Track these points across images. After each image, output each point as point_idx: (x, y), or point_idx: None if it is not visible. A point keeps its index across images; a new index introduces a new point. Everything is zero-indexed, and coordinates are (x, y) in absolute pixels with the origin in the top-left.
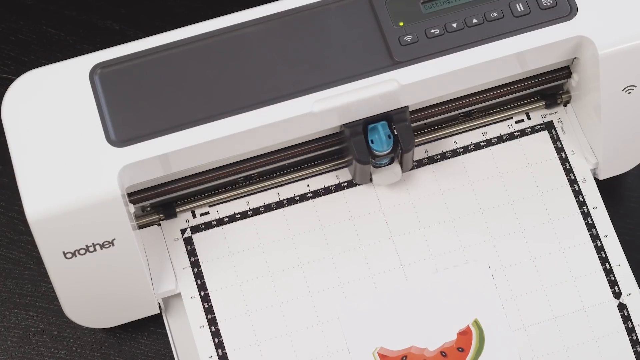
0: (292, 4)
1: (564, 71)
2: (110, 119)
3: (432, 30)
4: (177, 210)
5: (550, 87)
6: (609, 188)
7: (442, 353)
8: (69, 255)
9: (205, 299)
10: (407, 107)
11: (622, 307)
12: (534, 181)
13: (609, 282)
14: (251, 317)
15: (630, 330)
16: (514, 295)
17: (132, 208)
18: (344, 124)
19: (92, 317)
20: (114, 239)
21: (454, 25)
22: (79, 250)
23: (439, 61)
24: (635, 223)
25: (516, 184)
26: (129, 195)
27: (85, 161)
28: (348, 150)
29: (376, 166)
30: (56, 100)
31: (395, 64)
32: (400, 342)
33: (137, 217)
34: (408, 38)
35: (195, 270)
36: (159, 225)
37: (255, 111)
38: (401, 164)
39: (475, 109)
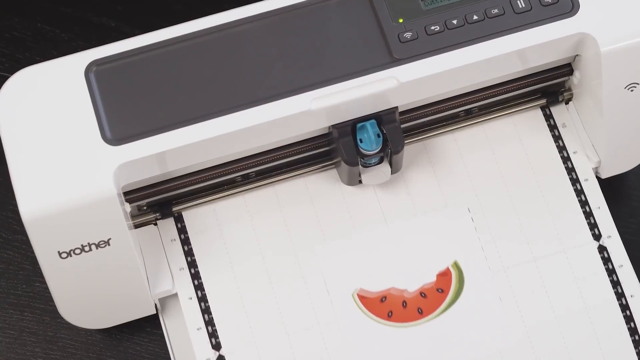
0: (290, 1)
1: (566, 68)
2: (105, 117)
3: (432, 27)
4: (174, 209)
5: (551, 84)
6: (611, 187)
7: (422, 294)
8: (64, 255)
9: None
10: (396, 107)
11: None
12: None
13: (589, 224)
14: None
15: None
16: (493, 237)
17: (128, 207)
18: (332, 125)
19: (87, 318)
20: (110, 239)
21: (454, 22)
22: (74, 250)
23: (439, 58)
24: (638, 222)
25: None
26: (125, 194)
27: (80, 160)
28: (336, 152)
29: (365, 165)
30: (51, 98)
31: (395, 61)
32: (379, 284)
33: (133, 217)
34: (408, 35)
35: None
36: (155, 224)
37: (253, 109)
38: (391, 164)
39: (476, 107)
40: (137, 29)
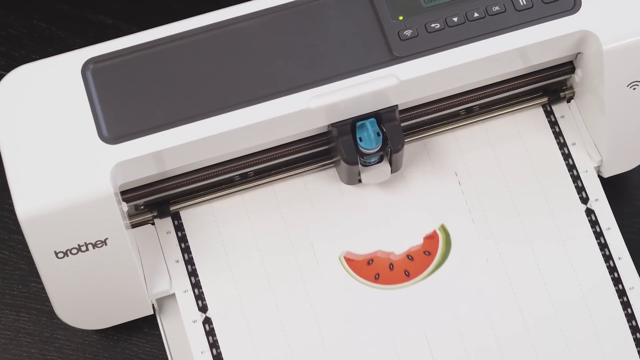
0: None
1: (568, 66)
2: (102, 115)
3: (433, 25)
4: (171, 208)
5: (553, 82)
6: (613, 186)
7: (409, 257)
8: (60, 255)
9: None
10: (396, 106)
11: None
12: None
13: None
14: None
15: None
16: (481, 203)
17: (125, 206)
18: (331, 124)
19: (84, 318)
20: (107, 238)
21: (455, 19)
22: (70, 250)
23: (440, 56)
24: None
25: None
26: (122, 193)
27: (77, 158)
28: (335, 151)
29: (365, 165)
30: (47, 96)
31: (395, 59)
32: (366, 247)
33: (130, 216)
34: (408, 32)
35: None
36: (153, 224)
37: (251, 107)
38: (390, 163)
39: (476, 105)
40: (135, 27)
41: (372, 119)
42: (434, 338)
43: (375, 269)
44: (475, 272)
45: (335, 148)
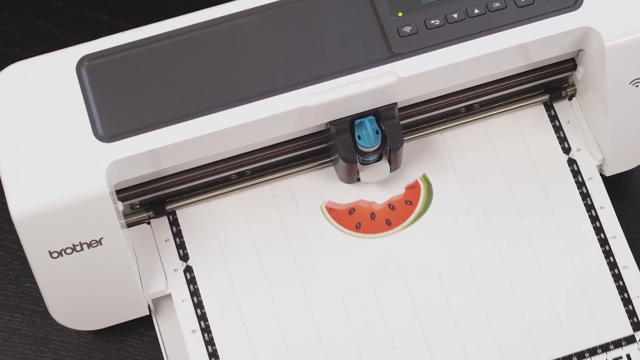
0: None
1: (569, 63)
2: (97, 113)
3: (432, 21)
4: (167, 207)
5: (554, 80)
6: (616, 185)
7: (390, 206)
8: (55, 255)
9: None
10: (395, 103)
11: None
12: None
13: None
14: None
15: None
16: (463, 154)
17: (120, 206)
18: (329, 122)
19: (79, 319)
20: (102, 238)
21: (455, 15)
22: (65, 250)
23: (439, 53)
24: None
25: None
26: (118, 192)
27: (72, 157)
28: (333, 149)
29: (363, 163)
30: (42, 94)
31: (394, 56)
32: (347, 196)
33: (125, 215)
34: (407, 29)
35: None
36: (149, 223)
37: (249, 105)
38: (390, 162)
39: (477, 103)
40: (130, 23)
41: (371, 117)
42: (415, 287)
43: (357, 218)
44: (456, 221)
45: (333, 146)
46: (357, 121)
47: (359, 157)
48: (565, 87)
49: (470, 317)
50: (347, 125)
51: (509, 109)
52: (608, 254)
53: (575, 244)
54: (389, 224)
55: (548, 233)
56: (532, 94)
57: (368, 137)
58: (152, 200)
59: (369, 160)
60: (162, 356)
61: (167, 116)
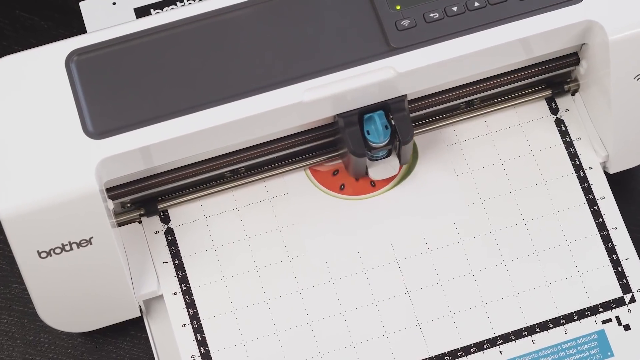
0: None
1: (572, 58)
2: (87, 109)
3: (431, 14)
4: (159, 206)
5: (557, 74)
6: (620, 182)
7: None
8: (43, 255)
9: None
10: (405, 95)
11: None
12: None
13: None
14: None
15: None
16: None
17: (111, 204)
18: (337, 114)
19: (68, 321)
20: (92, 237)
21: (455, 8)
22: (54, 249)
23: (439, 47)
24: None
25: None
26: (108, 190)
27: (61, 154)
28: (342, 142)
29: (372, 159)
30: (30, 89)
31: (392, 50)
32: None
33: (116, 214)
34: (405, 22)
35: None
36: (140, 222)
37: (243, 100)
38: (399, 156)
39: (477, 98)
40: None
41: (380, 112)
42: (401, 249)
43: (341, 180)
44: (442, 182)
45: (341, 139)
46: (366, 116)
47: (367, 153)
48: (568, 82)
49: (456, 279)
50: (356, 118)
51: (510, 104)
52: (597, 214)
53: (563, 205)
54: (374, 186)
55: (537, 198)
56: (534, 89)
57: (377, 132)
58: (143, 199)
59: (378, 157)
60: (154, 358)
61: (159, 112)
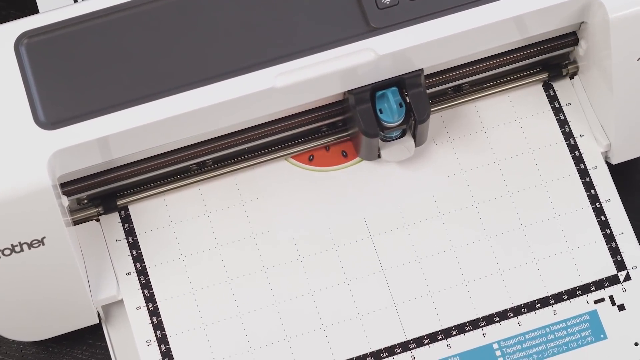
0: None
1: (570, 38)
2: (39, 97)
3: None
4: (119, 202)
5: (554, 56)
6: (623, 174)
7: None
8: None
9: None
10: (421, 70)
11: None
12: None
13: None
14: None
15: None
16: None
17: (65, 201)
18: (348, 91)
19: (20, 329)
20: (44, 237)
21: None
22: (3, 251)
23: (423, 27)
24: None
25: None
26: (62, 185)
27: (9, 146)
28: (353, 122)
29: (385, 140)
30: None
31: (372, 30)
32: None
33: (71, 211)
34: (387, 0)
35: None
36: (98, 220)
37: (209, 87)
38: (414, 136)
39: (466, 83)
40: None
41: (394, 89)
42: (375, 224)
43: (309, 150)
44: (420, 152)
45: (352, 118)
46: (378, 93)
47: (380, 133)
48: (566, 64)
49: (436, 255)
50: (368, 95)
51: (502, 89)
52: (589, 186)
53: (552, 175)
54: (345, 156)
55: (524, 168)
56: (529, 72)
57: (391, 111)
58: (101, 195)
59: (392, 137)
60: None
61: (118, 99)
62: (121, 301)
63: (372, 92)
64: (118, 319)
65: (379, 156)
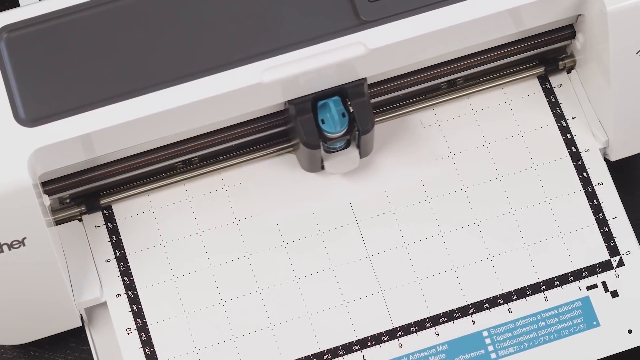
0: None
1: (567, 31)
2: (19, 93)
3: None
4: (102, 201)
5: (550, 49)
6: (621, 171)
7: None
8: None
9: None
10: (364, 79)
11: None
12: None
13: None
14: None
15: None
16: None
17: (47, 200)
18: (288, 101)
19: (1, 332)
20: (25, 238)
21: None
22: None
23: (415, 20)
24: None
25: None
26: (43, 184)
27: None
28: (294, 132)
29: (328, 151)
30: None
31: (363, 23)
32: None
33: (53, 211)
34: None
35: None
36: (80, 220)
37: (193, 82)
38: (359, 147)
39: (460, 77)
40: None
41: (336, 98)
42: (361, 208)
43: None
44: (408, 135)
45: (293, 129)
46: (319, 103)
47: (323, 144)
48: (563, 57)
49: (424, 241)
50: (309, 105)
51: (497, 83)
52: (581, 169)
53: (543, 159)
54: None
55: (514, 151)
56: (524, 66)
57: (333, 121)
58: (84, 193)
59: (335, 148)
60: None
61: (101, 96)
62: (104, 303)
63: (313, 102)
64: (101, 321)
65: (323, 168)
